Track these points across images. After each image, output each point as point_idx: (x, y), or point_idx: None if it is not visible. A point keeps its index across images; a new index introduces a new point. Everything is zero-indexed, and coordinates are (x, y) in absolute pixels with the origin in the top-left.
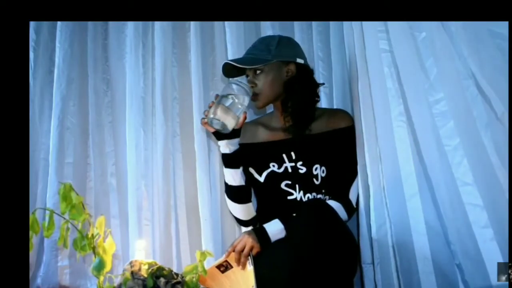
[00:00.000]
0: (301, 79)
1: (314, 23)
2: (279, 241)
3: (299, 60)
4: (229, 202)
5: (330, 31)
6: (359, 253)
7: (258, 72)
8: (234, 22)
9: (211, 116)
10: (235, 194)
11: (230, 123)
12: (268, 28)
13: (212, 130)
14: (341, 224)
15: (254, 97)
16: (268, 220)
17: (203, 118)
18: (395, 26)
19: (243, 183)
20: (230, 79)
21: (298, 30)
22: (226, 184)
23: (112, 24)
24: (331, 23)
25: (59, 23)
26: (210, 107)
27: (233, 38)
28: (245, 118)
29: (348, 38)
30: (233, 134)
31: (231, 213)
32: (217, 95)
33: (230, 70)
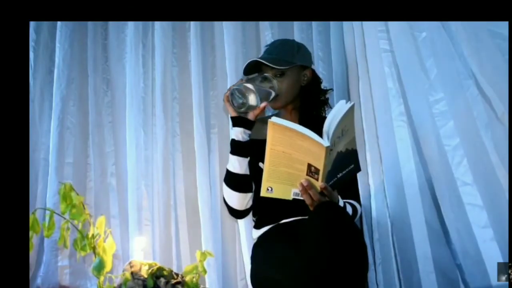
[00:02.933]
0: (315, 84)
1: (314, 23)
2: (289, 243)
3: (313, 67)
4: (228, 191)
5: (330, 31)
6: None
7: (280, 74)
8: (231, 22)
9: (238, 86)
10: (239, 182)
11: (252, 100)
12: (267, 28)
13: (231, 110)
14: (354, 224)
15: (274, 97)
16: (268, 213)
17: (228, 91)
18: (395, 26)
19: (248, 172)
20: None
21: (298, 30)
22: (229, 172)
23: (112, 24)
24: (331, 23)
25: (59, 23)
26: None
27: (229, 38)
28: (263, 109)
29: (348, 38)
30: (250, 124)
31: (225, 202)
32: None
33: (249, 69)
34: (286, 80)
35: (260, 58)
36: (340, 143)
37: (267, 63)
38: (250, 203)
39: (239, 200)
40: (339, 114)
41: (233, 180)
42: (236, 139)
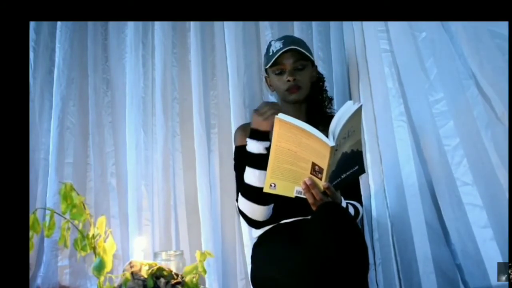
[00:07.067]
0: (321, 82)
1: (314, 23)
2: (289, 243)
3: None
4: (250, 204)
5: (330, 31)
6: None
7: (301, 66)
8: (231, 22)
9: None
10: (260, 194)
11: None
12: (267, 28)
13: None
14: (355, 225)
15: (296, 90)
16: (273, 212)
17: None
18: (395, 26)
19: None
20: None
21: (298, 30)
22: (248, 186)
23: (112, 24)
24: (331, 23)
25: (59, 23)
26: None
27: (231, 38)
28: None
29: (348, 38)
30: (266, 136)
31: (241, 214)
32: None
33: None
34: (306, 73)
35: (295, 47)
36: (345, 143)
37: (306, 52)
38: (271, 212)
39: (263, 212)
40: (346, 114)
41: (256, 194)
42: (259, 152)
